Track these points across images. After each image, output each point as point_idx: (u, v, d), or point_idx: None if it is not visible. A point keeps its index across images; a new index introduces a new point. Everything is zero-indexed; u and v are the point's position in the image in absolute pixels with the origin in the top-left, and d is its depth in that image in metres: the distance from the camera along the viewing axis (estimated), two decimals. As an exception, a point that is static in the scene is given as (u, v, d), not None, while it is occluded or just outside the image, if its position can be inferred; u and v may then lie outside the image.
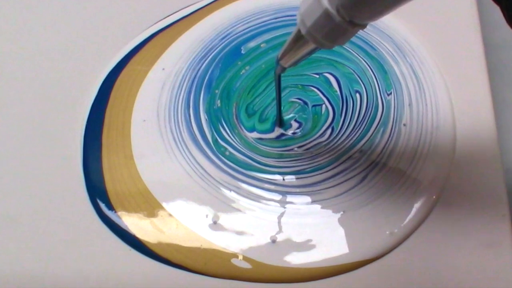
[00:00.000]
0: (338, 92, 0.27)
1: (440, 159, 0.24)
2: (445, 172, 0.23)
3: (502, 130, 0.25)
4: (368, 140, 0.25)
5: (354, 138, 0.25)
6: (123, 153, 0.25)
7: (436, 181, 0.23)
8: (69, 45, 0.29)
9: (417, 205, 0.23)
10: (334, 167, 0.24)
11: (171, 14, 0.29)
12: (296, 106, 0.26)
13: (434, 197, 0.23)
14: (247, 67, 0.28)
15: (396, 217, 0.23)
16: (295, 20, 0.28)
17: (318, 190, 0.24)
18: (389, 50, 0.27)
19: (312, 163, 0.25)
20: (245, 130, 0.26)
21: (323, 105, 0.26)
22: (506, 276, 0.21)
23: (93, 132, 0.26)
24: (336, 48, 0.27)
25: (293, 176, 0.24)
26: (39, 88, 0.27)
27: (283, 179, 0.24)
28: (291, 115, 0.26)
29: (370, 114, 0.26)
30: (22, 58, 0.28)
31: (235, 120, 0.26)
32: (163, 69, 0.27)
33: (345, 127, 0.26)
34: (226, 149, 0.25)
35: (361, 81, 0.27)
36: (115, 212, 0.23)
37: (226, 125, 0.26)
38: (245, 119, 0.26)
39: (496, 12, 0.28)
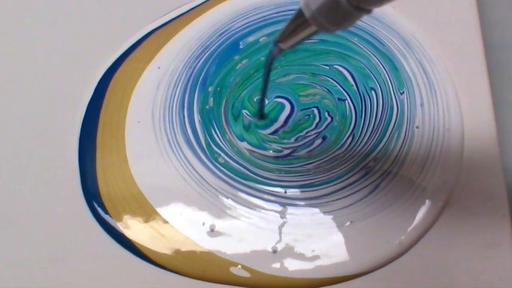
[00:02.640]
0: (355, 87, 0.26)
1: (451, 162, 0.24)
2: (454, 177, 0.23)
3: (502, 130, 0.26)
4: (383, 146, 0.24)
5: (371, 145, 0.25)
6: (117, 156, 0.25)
7: (445, 186, 0.23)
8: (65, 44, 0.28)
9: (426, 212, 0.23)
10: (346, 179, 0.24)
11: (168, 13, 0.28)
12: (317, 90, 0.25)
13: (441, 203, 0.23)
14: (244, 61, 0.27)
15: (406, 226, 0.22)
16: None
17: (325, 203, 0.23)
18: (398, 46, 0.27)
19: (321, 177, 0.24)
20: (236, 138, 0.25)
21: (346, 102, 0.26)
22: (506, 276, 0.22)
23: (88, 133, 0.25)
24: (344, 41, 0.27)
25: (296, 190, 0.24)
26: (34, 89, 0.27)
27: (285, 192, 0.24)
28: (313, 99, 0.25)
29: (386, 115, 0.25)
30: (18, 59, 0.28)
31: (224, 123, 0.25)
32: (159, 67, 0.27)
33: (364, 132, 0.25)
34: (219, 155, 0.24)
35: (374, 77, 0.26)
36: (111, 216, 0.23)
37: (218, 128, 0.25)
38: (233, 122, 0.25)
39: (496, 12, 0.29)
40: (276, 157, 0.25)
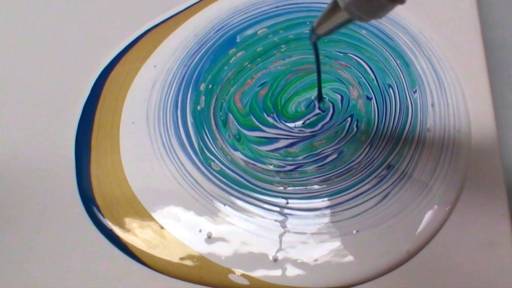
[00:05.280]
0: (375, 82, 0.25)
1: (459, 165, 0.23)
2: (461, 180, 0.23)
3: (502, 130, 0.26)
4: (398, 152, 0.24)
5: (387, 152, 0.24)
6: (111, 158, 0.24)
7: (453, 190, 0.23)
8: (62, 44, 0.28)
9: (435, 218, 0.22)
10: (355, 190, 0.23)
11: (166, 11, 0.28)
12: (348, 76, 0.24)
13: (449, 207, 0.23)
14: (239, 53, 0.26)
15: (414, 234, 0.22)
16: (298, 7, 0.28)
17: (331, 213, 0.23)
18: (406, 42, 0.26)
19: (328, 188, 0.23)
20: (228, 146, 0.24)
21: (372, 101, 0.25)
22: (506, 276, 0.22)
23: (84, 134, 0.25)
24: (353, 33, 0.27)
25: (299, 201, 0.23)
26: (31, 89, 0.27)
27: (287, 203, 0.23)
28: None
29: (402, 117, 0.24)
30: (14, 59, 0.27)
31: (214, 127, 0.25)
32: (155, 66, 0.26)
33: (382, 138, 0.24)
34: (213, 161, 0.24)
35: (389, 72, 0.25)
36: (106, 219, 0.23)
37: (209, 133, 0.25)
38: (222, 128, 0.25)
39: (496, 12, 0.30)
40: (278, 171, 0.24)
